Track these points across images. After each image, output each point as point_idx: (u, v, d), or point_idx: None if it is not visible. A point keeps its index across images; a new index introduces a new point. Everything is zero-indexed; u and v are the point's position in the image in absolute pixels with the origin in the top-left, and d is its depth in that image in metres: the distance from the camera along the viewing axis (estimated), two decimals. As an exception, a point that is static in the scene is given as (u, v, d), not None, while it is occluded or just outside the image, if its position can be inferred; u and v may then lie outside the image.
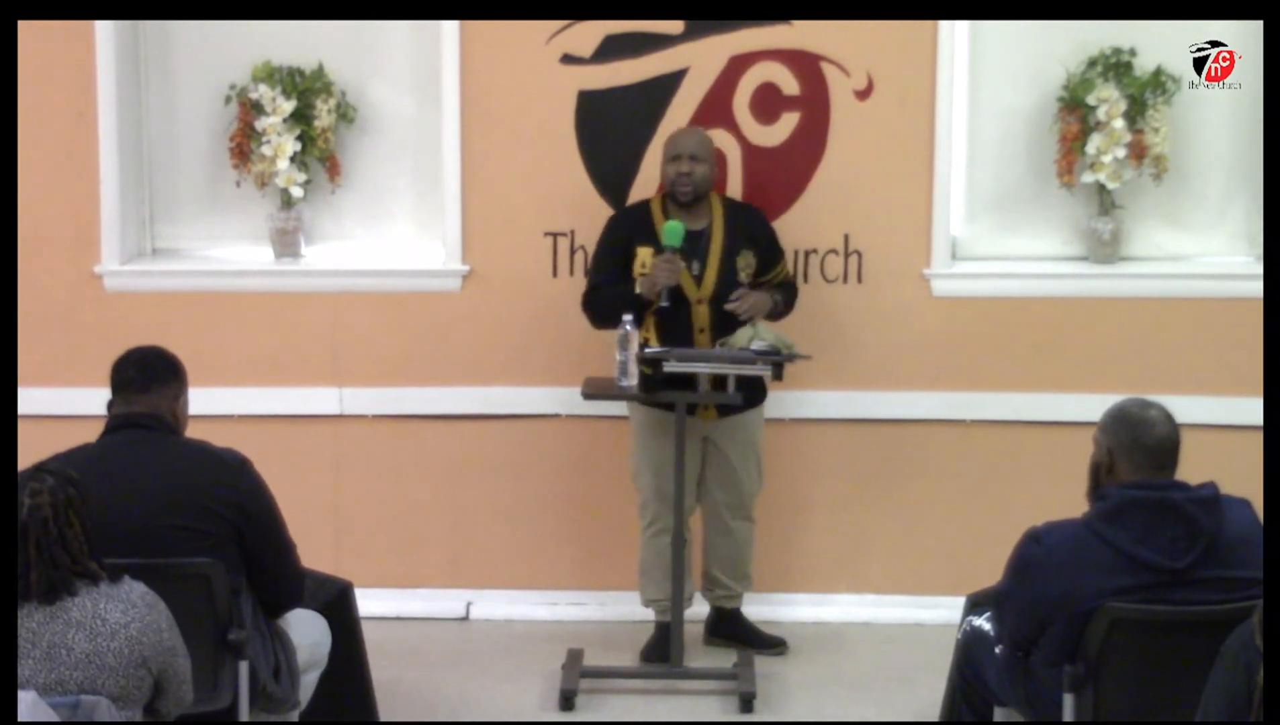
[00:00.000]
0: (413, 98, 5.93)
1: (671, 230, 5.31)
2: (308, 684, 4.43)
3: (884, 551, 5.99)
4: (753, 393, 5.43)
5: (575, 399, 5.42)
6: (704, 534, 5.69)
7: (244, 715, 4.12)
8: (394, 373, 5.93)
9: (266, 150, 5.75)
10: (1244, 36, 5.53)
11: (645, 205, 5.56)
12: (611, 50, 5.75)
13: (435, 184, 5.88)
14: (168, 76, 5.93)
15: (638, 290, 5.33)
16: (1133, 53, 5.75)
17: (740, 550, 5.66)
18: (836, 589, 6.01)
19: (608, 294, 5.40)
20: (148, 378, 4.11)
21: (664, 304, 5.29)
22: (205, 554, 3.99)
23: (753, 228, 5.51)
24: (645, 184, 5.77)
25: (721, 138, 5.73)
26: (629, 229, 5.48)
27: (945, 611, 5.39)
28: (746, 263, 5.44)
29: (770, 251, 5.53)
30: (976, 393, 5.88)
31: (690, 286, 5.39)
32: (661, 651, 5.49)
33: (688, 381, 5.20)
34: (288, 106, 5.73)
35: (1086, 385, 5.71)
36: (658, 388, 5.22)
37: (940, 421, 5.90)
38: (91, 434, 4.12)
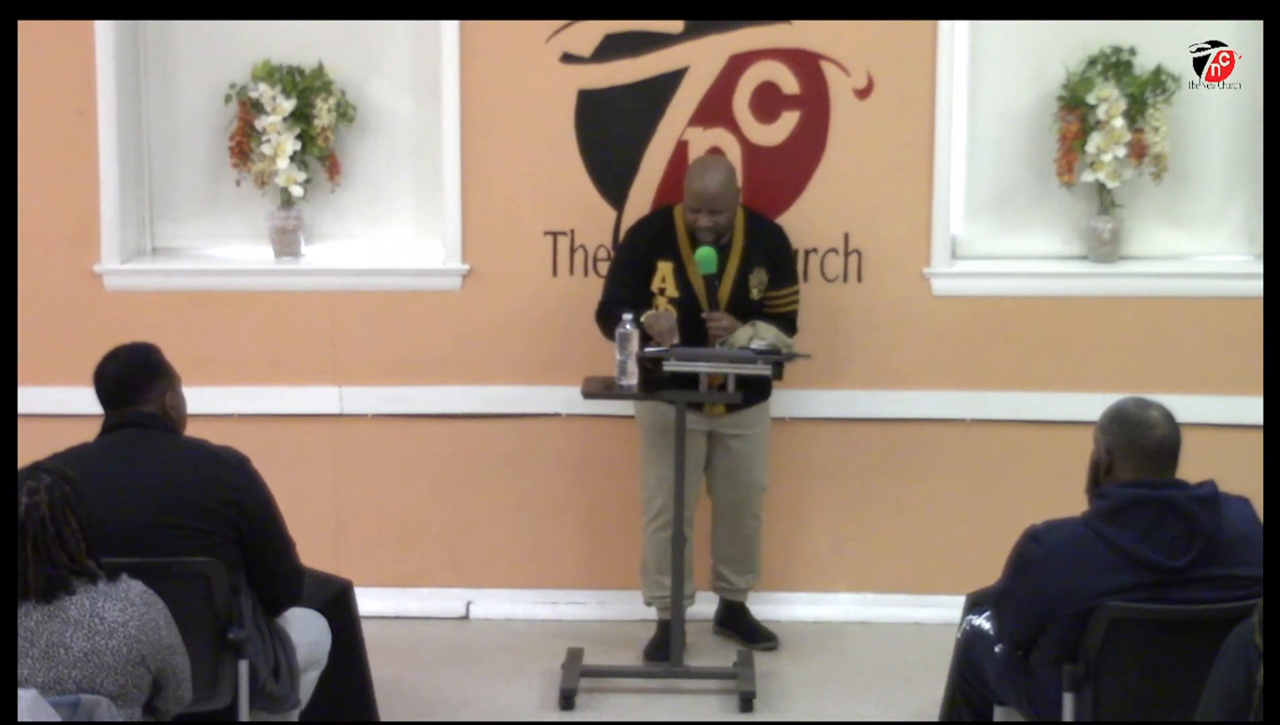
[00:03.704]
0: (413, 97, 5.92)
1: (704, 258, 5.28)
2: (307, 683, 4.44)
3: (884, 551, 5.99)
4: (757, 390, 5.43)
5: (575, 398, 5.42)
6: (711, 529, 5.69)
7: (243, 714, 4.12)
8: (394, 372, 5.93)
9: (266, 149, 5.75)
10: (1244, 36, 5.52)
11: (668, 215, 5.49)
12: (611, 50, 5.75)
13: (435, 183, 5.88)
14: (168, 76, 5.93)
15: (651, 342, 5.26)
16: (1133, 52, 5.74)
17: (745, 546, 5.67)
18: (836, 588, 6.01)
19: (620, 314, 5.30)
20: (128, 391, 4.09)
21: (675, 342, 5.23)
22: (204, 552, 3.99)
23: (770, 247, 5.48)
24: (645, 183, 5.77)
25: (722, 137, 5.73)
26: (650, 241, 5.45)
27: (945, 611, 5.39)
28: (759, 281, 5.43)
29: (783, 273, 5.49)
30: (976, 392, 5.88)
31: (706, 297, 5.39)
32: (665, 650, 5.49)
33: (689, 380, 5.20)
34: (287, 105, 5.72)
35: (1086, 384, 5.71)
36: (660, 386, 5.21)
37: (940, 421, 5.90)
38: (90, 433, 4.13)
